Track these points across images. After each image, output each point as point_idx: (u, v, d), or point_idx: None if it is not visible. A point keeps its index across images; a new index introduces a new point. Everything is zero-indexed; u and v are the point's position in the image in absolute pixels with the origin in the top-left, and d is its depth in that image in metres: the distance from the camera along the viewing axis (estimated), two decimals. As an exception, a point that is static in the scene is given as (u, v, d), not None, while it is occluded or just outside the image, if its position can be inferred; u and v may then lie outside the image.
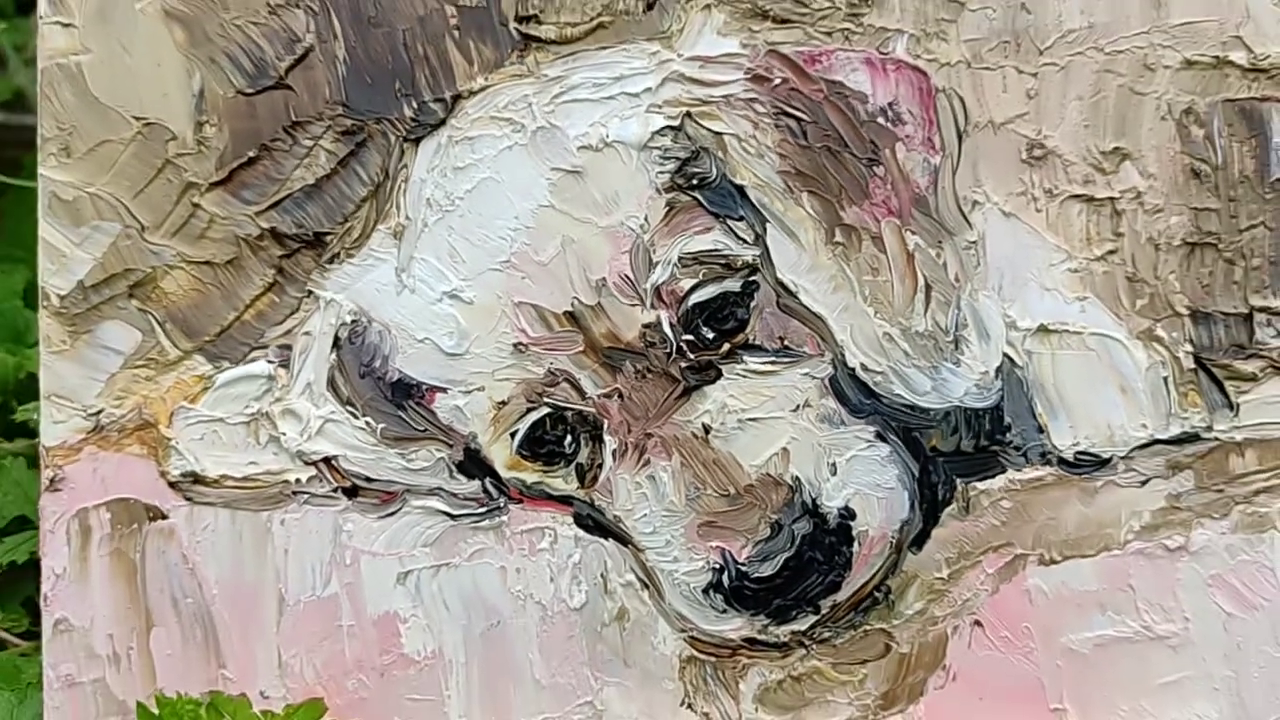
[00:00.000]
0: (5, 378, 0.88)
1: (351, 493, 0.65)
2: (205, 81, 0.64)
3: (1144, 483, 0.65)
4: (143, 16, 0.64)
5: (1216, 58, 0.65)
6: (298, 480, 0.65)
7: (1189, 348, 0.65)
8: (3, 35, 1.29)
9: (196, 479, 0.65)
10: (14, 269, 1.03)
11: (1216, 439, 0.65)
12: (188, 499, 0.65)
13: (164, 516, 0.65)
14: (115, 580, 0.65)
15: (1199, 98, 0.65)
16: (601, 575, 0.66)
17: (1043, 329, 0.65)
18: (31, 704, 0.65)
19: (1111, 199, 0.65)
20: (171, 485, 0.65)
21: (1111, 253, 0.65)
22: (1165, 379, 0.65)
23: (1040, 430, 0.65)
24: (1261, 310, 0.64)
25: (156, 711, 0.56)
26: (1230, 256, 0.65)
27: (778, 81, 0.64)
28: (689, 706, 0.66)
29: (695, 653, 0.66)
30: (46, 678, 0.65)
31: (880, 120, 0.64)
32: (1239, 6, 0.65)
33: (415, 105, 0.64)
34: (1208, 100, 0.65)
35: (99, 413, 0.64)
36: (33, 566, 0.76)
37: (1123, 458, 0.65)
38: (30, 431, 0.85)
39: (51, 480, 0.64)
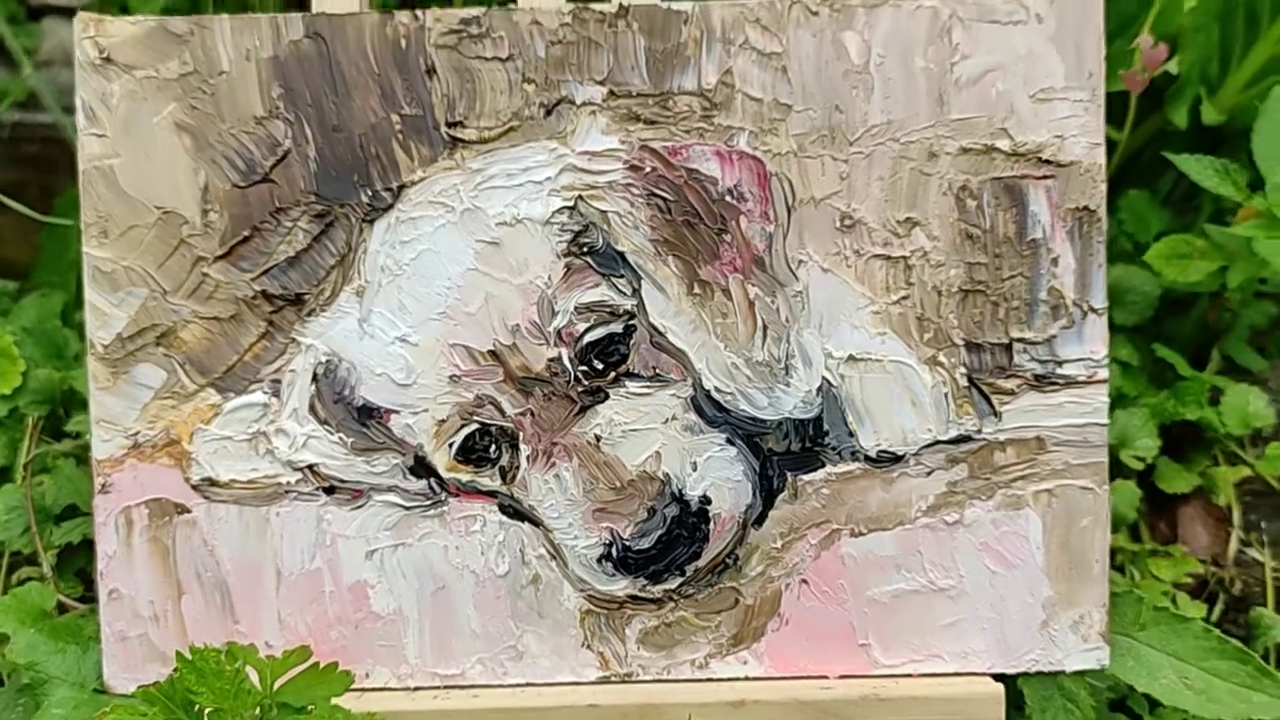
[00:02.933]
0: (52, 390, 1.05)
1: (329, 491, 0.82)
2: (209, 178, 0.81)
3: (929, 473, 0.82)
4: (159, 128, 0.81)
5: (986, 145, 0.81)
6: (288, 482, 0.81)
7: (964, 370, 0.82)
8: (16, 39, 1.42)
9: (212, 482, 0.82)
10: (53, 293, 1.19)
11: (984, 439, 0.82)
12: (205, 498, 0.82)
13: (188, 511, 0.82)
14: (153, 559, 0.82)
15: (972, 177, 0.82)
16: (520, 550, 0.82)
17: (851, 358, 0.81)
18: (92, 654, 0.83)
19: (904, 257, 0.82)
20: (193, 488, 0.81)
21: (905, 298, 0.82)
22: (945, 394, 0.82)
23: (851, 435, 0.82)
24: (1018, 340, 0.82)
25: (190, 658, 0.73)
26: (995, 300, 0.82)
27: (648, 170, 0.81)
28: (588, 647, 0.83)
29: (591, 607, 0.82)
30: (104, 634, 0.82)
31: (727, 198, 0.81)
32: (1005, 104, 0.81)
33: (370, 193, 0.81)
34: (979, 179, 0.82)
35: (136, 434, 0.81)
36: (85, 545, 0.95)
37: (913, 455, 0.82)
38: (76, 434, 1.03)
39: (102, 485, 0.82)
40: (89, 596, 0.91)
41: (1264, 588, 1.02)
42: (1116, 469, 1.06)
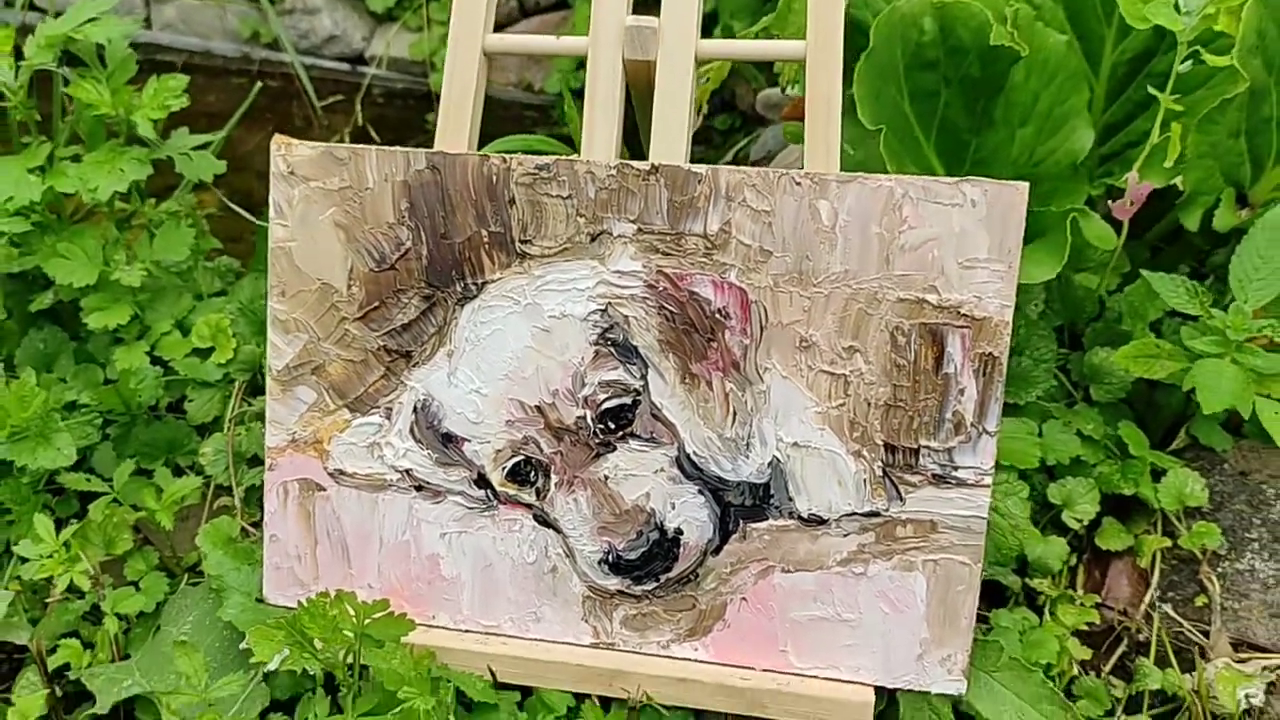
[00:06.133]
0: (254, 361, 1.41)
1: (419, 489, 1.15)
2: (354, 262, 1.14)
3: (845, 535, 1.08)
4: (322, 224, 1.13)
5: (919, 298, 1.05)
6: (391, 479, 1.15)
7: (880, 463, 1.07)
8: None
9: (341, 473, 1.16)
10: (261, 277, 1.56)
11: (890, 516, 1.08)
12: (336, 482, 1.16)
13: (324, 490, 1.16)
14: (299, 518, 1.18)
15: (905, 320, 1.06)
16: (545, 548, 1.13)
17: (796, 444, 1.08)
18: (258, 574, 1.20)
19: (845, 374, 1.07)
20: (329, 474, 1.16)
21: (842, 405, 1.08)
22: (864, 479, 1.08)
23: (790, 499, 1.09)
24: (925, 447, 1.07)
25: (306, 605, 1.06)
26: (911, 414, 1.07)
27: (661, 288, 1.09)
28: (585, 621, 1.14)
29: (590, 594, 1.13)
30: (265, 563, 1.19)
31: (717, 315, 1.08)
32: (937, 267, 1.04)
33: (463, 285, 1.12)
34: (910, 322, 1.06)
35: (294, 433, 1.17)
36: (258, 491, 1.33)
37: (835, 520, 1.08)
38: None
39: (270, 465, 1.18)
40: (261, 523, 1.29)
41: (1160, 640, 1.25)
42: (1059, 526, 1.30)
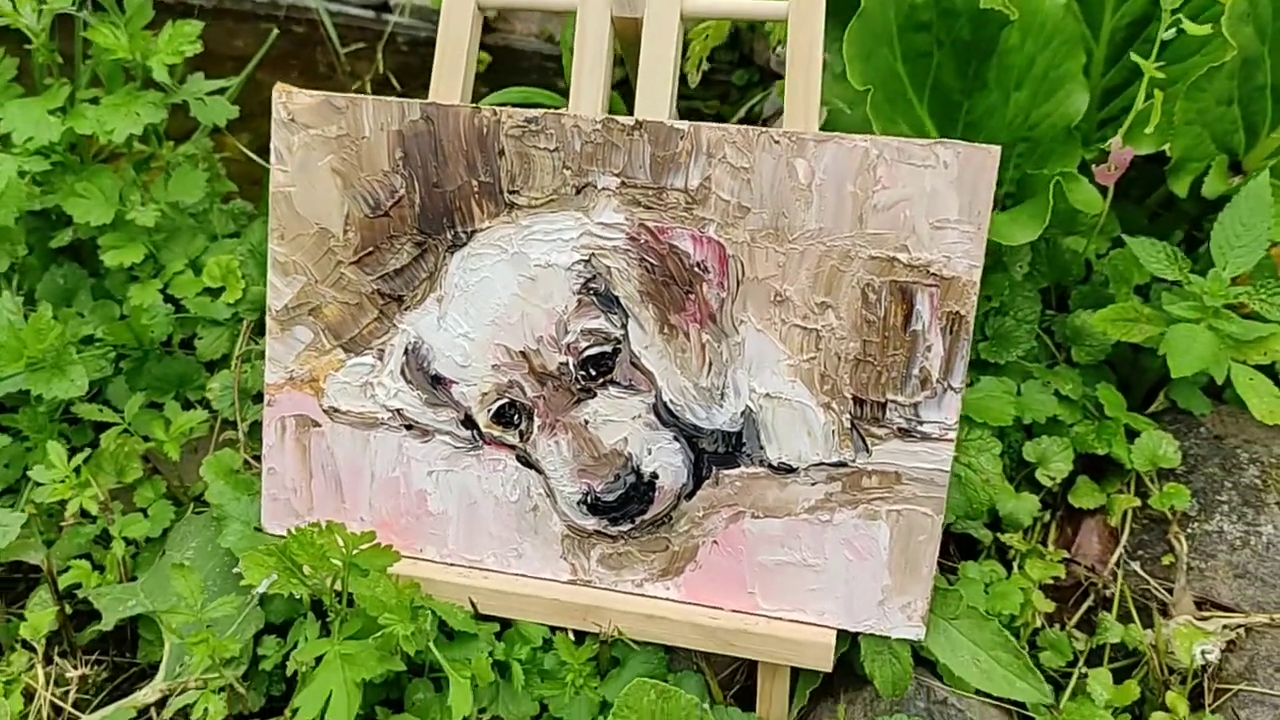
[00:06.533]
0: (261, 302, 1.46)
1: (408, 428, 1.20)
2: (350, 208, 1.18)
3: (813, 484, 1.12)
4: (320, 170, 1.18)
5: (890, 256, 1.08)
6: (382, 418, 1.20)
7: (849, 415, 1.11)
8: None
9: (335, 410, 1.22)
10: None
11: (857, 467, 1.12)
12: (330, 419, 1.21)
13: (319, 426, 1.22)
14: (296, 452, 1.23)
15: (876, 277, 1.09)
16: (527, 487, 1.18)
17: (769, 395, 1.12)
18: (256, 504, 1.26)
19: (817, 329, 1.11)
20: (324, 411, 1.21)
21: (813, 358, 1.11)
22: (833, 431, 1.12)
23: (761, 448, 1.13)
24: (892, 401, 1.10)
25: (296, 535, 1.12)
26: (879, 369, 1.10)
27: (642, 241, 1.13)
28: (564, 559, 1.19)
29: (569, 533, 1.18)
30: (263, 494, 1.25)
31: (696, 269, 1.12)
32: (909, 227, 1.07)
33: (453, 233, 1.16)
34: (881, 279, 1.09)
35: (292, 371, 1.22)
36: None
37: (803, 469, 1.12)
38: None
39: (269, 400, 1.24)
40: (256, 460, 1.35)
41: (1124, 596, 1.28)
42: (1034, 483, 1.34)
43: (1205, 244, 1.43)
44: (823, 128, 1.13)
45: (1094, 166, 1.31)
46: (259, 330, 1.48)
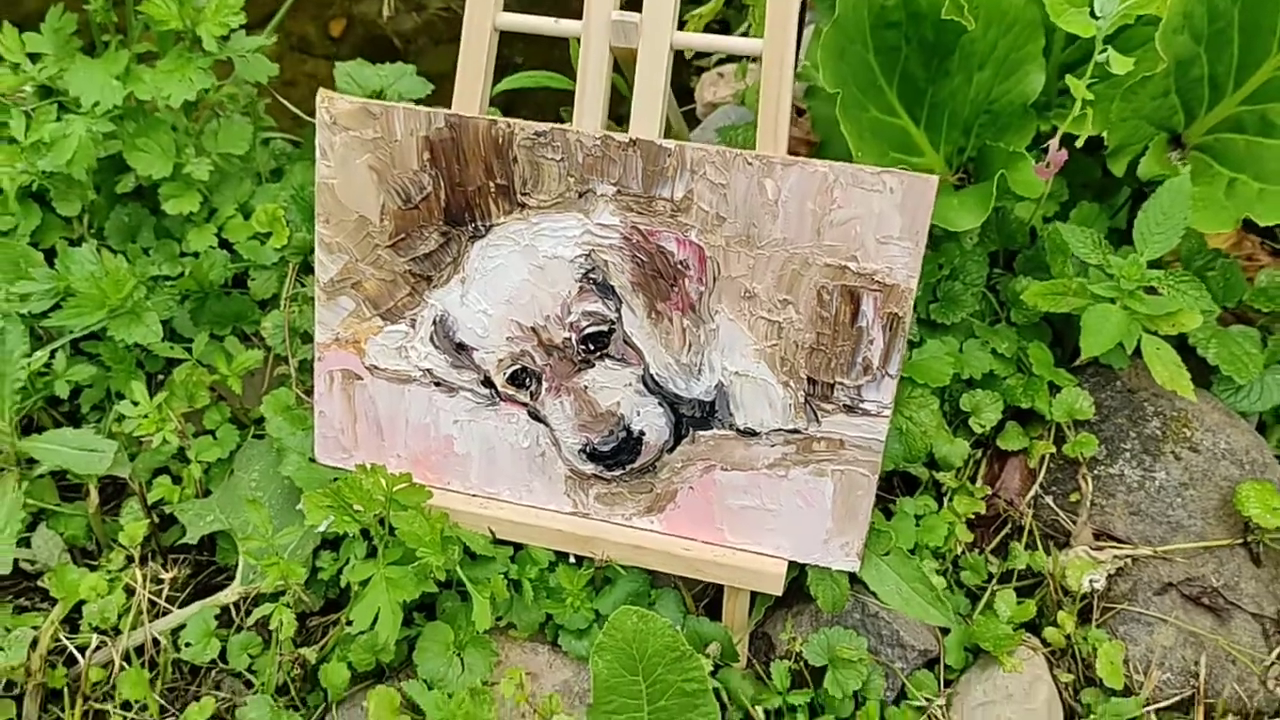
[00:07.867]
0: (306, 246, 1.67)
1: (437, 384, 1.43)
2: (384, 200, 1.38)
3: (772, 446, 1.35)
4: (359, 166, 1.37)
5: (842, 265, 1.28)
6: (415, 376, 1.43)
7: (803, 393, 1.33)
8: None
9: (375, 368, 1.44)
10: (311, 164, 1.79)
11: (808, 435, 1.34)
12: (371, 375, 1.44)
13: (361, 379, 1.44)
14: (343, 400, 1.47)
15: (830, 282, 1.29)
16: (536, 438, 1.42)
17: (738, 372, 1.33)
18: (310, 438, 1.51)
19: (779, 322, 1.31)
20: (366, 368, 1.44)
21: (775, 345, 1.32)
22: (789, 404, 1.34)
23: (730, 414, 1.35)
24: (839, 383, 1.32)
25: (344, 479, 1.37)
26: (830, 357, 1.31)
27: (634, 241, 1.32)
28: (566, 495, 1.44)
29: (571, 475, 1.42)
30: (315, 433, 1.48)
31: (679, 266, 1.32)
32: (858, 241, 1.26)
33: (474, 226, 1.36)
34: (834, 283, 1.29)
35: (338, 333, 1.44)
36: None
37: (765, 434, 1.34)
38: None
39: (319, 357, 1.46)
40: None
41: (1034, 528, 1.53)
42: (969, 429, 1.56)
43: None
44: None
45: (1035, 164, 1.48)
46: (305, 270, 1.69)
